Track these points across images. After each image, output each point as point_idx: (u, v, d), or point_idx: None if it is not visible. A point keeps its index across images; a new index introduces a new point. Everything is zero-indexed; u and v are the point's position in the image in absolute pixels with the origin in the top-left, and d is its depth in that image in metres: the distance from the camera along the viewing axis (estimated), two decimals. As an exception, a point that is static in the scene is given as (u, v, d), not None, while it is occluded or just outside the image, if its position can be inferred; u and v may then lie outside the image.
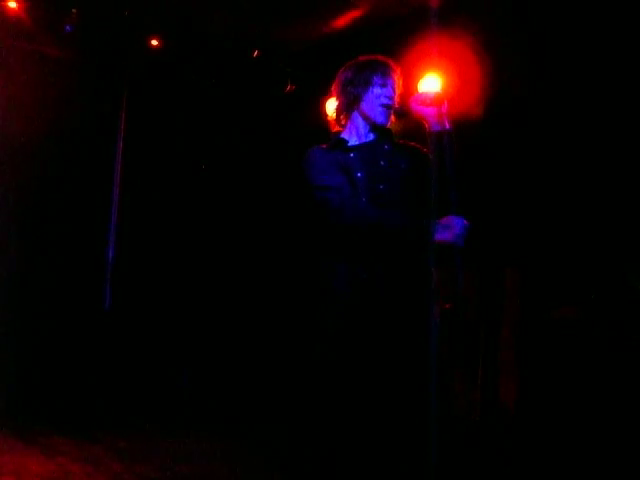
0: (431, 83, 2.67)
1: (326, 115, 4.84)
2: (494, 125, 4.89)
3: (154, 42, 5.87)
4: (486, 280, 5.22)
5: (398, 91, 2.72)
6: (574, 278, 4.74)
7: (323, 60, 5.56)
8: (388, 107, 2.68)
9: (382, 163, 2.65)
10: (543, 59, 4.58)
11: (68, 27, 5.51)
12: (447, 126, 2.58)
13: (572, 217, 4.66)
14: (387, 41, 4.75)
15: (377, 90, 2.67)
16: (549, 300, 4.87)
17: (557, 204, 4.75)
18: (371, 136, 2.73)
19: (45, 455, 4.34)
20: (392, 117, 2.73)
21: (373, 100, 2.67)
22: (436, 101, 2.59)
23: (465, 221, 2.43)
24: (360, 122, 2.72)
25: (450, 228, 2.41)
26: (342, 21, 5.41)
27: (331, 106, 2.81)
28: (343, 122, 2.76)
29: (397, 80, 2.71)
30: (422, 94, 2.63)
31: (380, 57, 2.75)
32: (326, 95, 5.29)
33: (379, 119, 2.69)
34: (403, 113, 2.74)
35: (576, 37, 4.46)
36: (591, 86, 4.43)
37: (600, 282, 4.60)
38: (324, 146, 2.73)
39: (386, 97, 2.67)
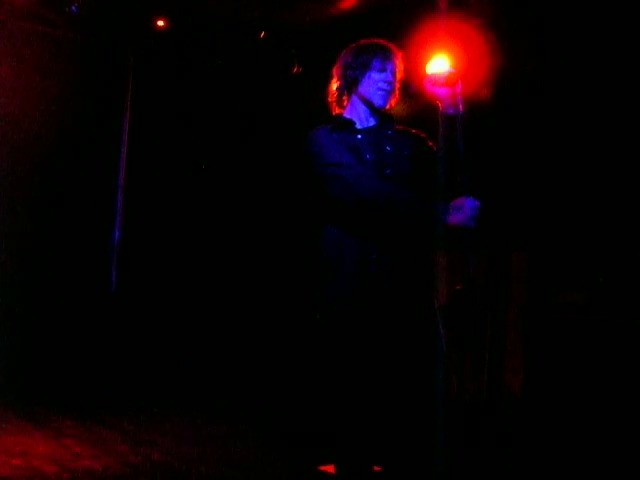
0: (439, 64, 2.62)
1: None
2: (502, 108, 4.85)
3: (160, 23, 5.83)
4: (493, 263, 5.21)
5: (399, 76, 2.69)
6: (581, 262, 4.72)
7: (330, 41, 5.51)
8: (386, 91, 2.66)
9: (388, 148, 2.63)
10: (552, 41, 4.54)
11: (74, 8, 5.48)
12: (460, 107, 2.54)
13: (580, 201, 4.64)
14: (394, 22, 4.71)
15: (375, 75, 2.64)
16: (556, 284, 4.86)
17: (565, 188, 4.73)
18: (372, 121, 2.71)
19: (53, 437, 4.36)
20: (392, 101, 2.71)
21: (371, 84, 2.65)
22: (450, 81, 2.55)
23: (477, 201, 2.41)
24: (360, 106, 2.70)
25: (462, 210, 2.39)
26: (349, 2, 5.36)
27: (332, 89, 2.79)
28: (343, 105, 2.74)
29: (398, 65, 2.68)
30: (436, 74, 2.59)
31: (381, 41, 2.71)
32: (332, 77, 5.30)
33: (377, 102, 2.66)
34: (413, 94, 2.70)
35: (586, 19, 4.41)
36: (601, 69, 4.39)
37: (607, 267, 4.58)
38: (328, 126, 2.70)
39: (384, 82, 2.64)
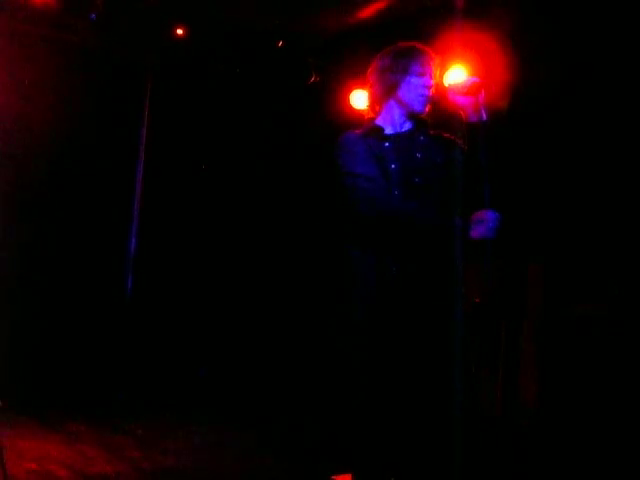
0: (458, 74, 2.61)
1: (350, 106, 4.82)
2: (519, 118, 4.84)
3: (179, 31, 5.86)
4: (508, 274, 5.19)
5: (434, 80, 2.67)
6: (598, 274, 4.69)
7: (347, 51, 5.54)
8: (427, 96, 2.63)
9: (419, 155, 2.59)
10: (572, 52, 4.52)
11: (93, 15, 5.51)
12: (484, 117, 2.52)
13: (597, 212, 4.61)
14: (411, 33, 4.71)
15: (415, 80, 2.61)
16: (572, 296, 4.83)
17: (582, 199, 4.70)
18: (407, 126, 2.67)
19: (66, 442, 4.37)
20: (429, 106, 2.68)
21: (411, 89, 2.62)
22: (473, 90, 2.53)
23: (497, 213, 2.40)
24: (396, 111, 2.67)
25: (484, 223, 2.38)
26: (367, 12, 5.37)
27: (365, 93, 2.76)
28: (377, 109, 2.71)
29: (435, 69, 2.66)
30: (459, 83, 2.56)
31: (419, 44, 2.68)
32: (350, 86, 5.31)
33: (417, 107, 2.63)
34: (435, 102, 2.68)
35: (603, 29, 4.40)
36: (619, 79, 4.37)
37: (624, 278, 4.55)
38: (358, 132, 2.68)
39: (424, 86, 2.62)
